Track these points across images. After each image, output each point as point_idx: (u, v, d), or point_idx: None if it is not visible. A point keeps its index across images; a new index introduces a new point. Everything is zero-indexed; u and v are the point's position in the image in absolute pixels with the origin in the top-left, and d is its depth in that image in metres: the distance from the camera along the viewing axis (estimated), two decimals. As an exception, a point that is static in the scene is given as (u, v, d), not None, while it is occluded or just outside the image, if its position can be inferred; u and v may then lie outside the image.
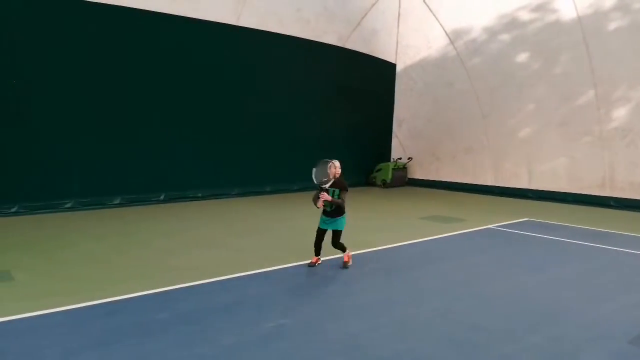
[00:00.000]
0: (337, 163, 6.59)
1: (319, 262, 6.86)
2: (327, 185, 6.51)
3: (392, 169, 18.25)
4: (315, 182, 6.57)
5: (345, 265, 6.80)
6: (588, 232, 10.02)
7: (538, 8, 14.25)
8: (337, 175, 6.56)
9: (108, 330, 4.52)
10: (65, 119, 11.02)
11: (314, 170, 6.62)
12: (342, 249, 6.82)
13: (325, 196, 6.37)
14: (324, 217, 6.72)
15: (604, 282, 6.50)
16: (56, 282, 5.98)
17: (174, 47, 12.70)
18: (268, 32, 14.45)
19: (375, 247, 8.13)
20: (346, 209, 6.75)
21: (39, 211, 10.52)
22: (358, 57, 17.38)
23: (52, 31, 10.72)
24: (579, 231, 10.05)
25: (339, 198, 6.49)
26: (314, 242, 6.79)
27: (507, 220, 11.08)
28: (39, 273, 6.32)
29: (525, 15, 14.63)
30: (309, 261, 6.89)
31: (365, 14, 16.65)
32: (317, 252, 6.85)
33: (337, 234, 6.71)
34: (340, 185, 6.57)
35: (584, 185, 14.31)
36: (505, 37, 15.29)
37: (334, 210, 6.61)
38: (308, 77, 16.01)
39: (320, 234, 6.77)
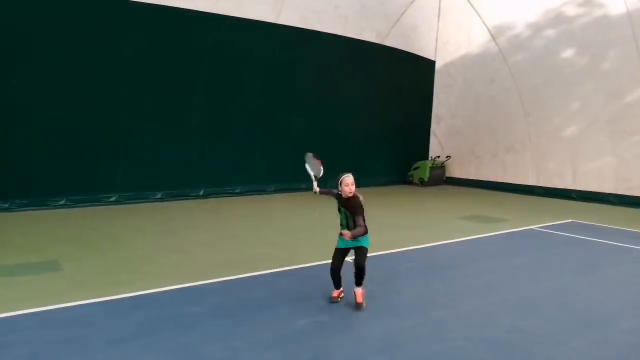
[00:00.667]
0: (350, 178, 5.11)
1: (342, 295, 5.35)
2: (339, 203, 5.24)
3: (430, 167, 18.00)
4: (313, 175, 5.89)
5: (359, 306, 5.13)
6: (634, 234, 9.61)
7: (585, 3, 13.73)
8: (350, 194, 5.06)
9: (147, 321, 4.63)
10: (111, 116, 11.39)
11: (308, 164, 5.96)
12: (362, 274, 5.14)
13: (346, 234, 4.91)
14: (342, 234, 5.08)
15: (654, 288, 6.23)
16: (100, 273, 6.18)
17: (215, 46, 12.91)
18: (307, 29, 14.49)
19: (411, 245, 8.04)
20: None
21: (84, 204, 10.92)
22: (397, 54, 17.23)
23: (100, 29, 11.07)
24: (627, 234, 9.66)
25: (354, 222, 5.02)
26: (330, 270, 5.23)
27: (550, 222, 10.75)
28: (85, 264, 6.55)
29: (571, 10, 14.13)
30: (332, 296, 5.36)
31: (405, 11, 16.46)
32: (337, 283, 5.30)
33: (362, 252, 5.12)
34: (354, 208, 5.04)
35: (632, 186, 13.72)
36: (550, 32, 14.82)
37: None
38: (347, 74, 15.98)
39: (339, 255, 5.21)
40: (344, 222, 5.19)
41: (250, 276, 6.18)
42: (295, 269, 6.57)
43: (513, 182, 16.68)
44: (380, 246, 7.89)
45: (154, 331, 4.42)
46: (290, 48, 14.32)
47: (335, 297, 5.34)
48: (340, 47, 15.51)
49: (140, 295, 5.34)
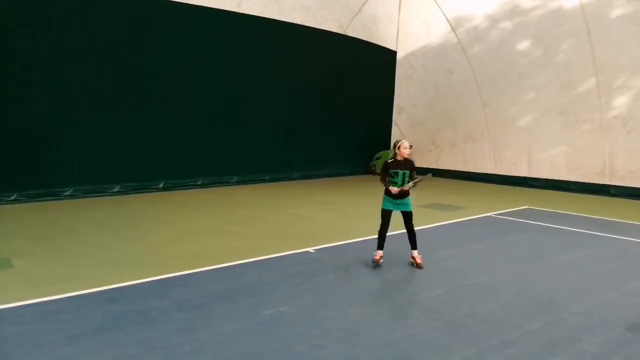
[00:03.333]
0: (406, 143, 6.26)
1: (382, 258, 6.33)
2: (395, 170, 6.21)
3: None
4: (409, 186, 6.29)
5: (419, 266, 6.30)
6: (588, 220, 10.04)
7: (540, -5, 14.16)
8: (406, 156, 6.24)
9: (109, 316, 4.55)
10: (64, 106, 10.99)
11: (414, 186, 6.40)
12: (414, 237, 6.36)
13: (404, 188, 6.12)
14: (388, 197, 6.26)
15: (604, 270, 6.53)
16: (56, 269, 6.00)
17: (175, 35, 12.63)
18: (268, 19, 14.36)
19: (374, 234, 8.13)
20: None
21: (38, 199, 10.53)
22: (359, 45, 17.28)
23: (57, 16, 10.65)
24: (579, 219, 10.08)
25: (410, 180, 6.17)
26: (378, 230, 6.27)
27: (507, 208, 11.10)
28: (39, 260, 6.35)
29: (527, 3, 14.52)
30: (373, 258, 6.31)
31: (366, 1, 16.52)
32: (381, 244, 6.30)
33: (409, 216, 6.31)
34: (411, 167, 6.25)
35: (584, 174, 14.32)
36: (506, 24, 15.19)
37: (401, 194, 6.17)
38: (309, 64, 15.94)
39: (387, 216, 6.27)
40: (400, 180, 6.16)
41: (215, 268, 6.14)
42: (260, 260, 6.57)
43: (472, 170, 17.10)
44: (344, 235, 7.97)
45: (117, 326, 4.34)
46: (251, 38, 14.16)
47: (376, 260, 6.30)
48: (302, 37, 15.45)
49: (102, 290, 5.22)
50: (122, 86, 11.85)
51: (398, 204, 6.27)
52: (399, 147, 6.22)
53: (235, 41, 13.88)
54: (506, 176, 16.12)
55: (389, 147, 19.05)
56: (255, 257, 6.66)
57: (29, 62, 10.45)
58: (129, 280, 5.53)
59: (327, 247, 7.32)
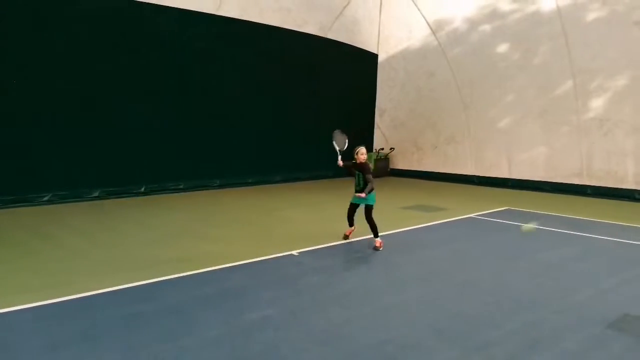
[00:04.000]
0: (363, 149, 7.47)
1: (354, 229, 7.87)
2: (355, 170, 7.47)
3: (375, 159, 18.31)
4: (338, 149, 7.87)
5: (377, 249, 7.39)
6: (566, 219, 10.20)
7: (518, -1, 14.38)
8: (362, 160, 7.39)
9: (91, 324, 4.47)
10: (42, 110, 10.80)
11: (334, 140, 8.02)
12: (374, 227, 7.38)
13: (361, 195, 7.24)
14: (356, 194, 7.43)
15: (582, 269, 6.64)
16: (36, 276, 5.88)
17: (153, 37, 12.52)
18: (248, 21, 14.31)
19: (357, 237, 8.16)
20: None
21: (15, 205, 10.32)
22: (340, 47, 17.34)
23: (25, 21, 10.46)
24: (557, 219, 10.23)
25: (364, 181, 7.27)
26: (346, 215, 7.72)
27: (488, 209, 11.22)
28: (16, 267, 6.21)
29: (505, 6, 14.73)
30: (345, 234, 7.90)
31: (347, 4, 16.60)
32: (351, 222, 7.77)
33: (369, 209, 7.39)
34: (366, 169, 7.33)
35: (561, 174, 14.57)
36: (486, 27, 15.39)
37: (364, 188, 7.25)
38: (290, 67, 15.93)
39: (352, 208, 7.65)
40: (358, 182, 7.39)
41: (198, 273, 6.08)
42: (244, 264, 6.52)
43: (453, 172, 17.28)
44: (327, 237, 7.97)
45: (100, 333, 4.27)
46: (231, 40, 14.10)
47: (347, 235, 7.92)
48: (283, 40, 15.44)
49: (82, 297, 5.12)
50: (101, 90, 11.68)
51: (361, 200, 7.43)
52: (357, 153, 7.45)
53: (215, 44, 13.81)
54: (487, 177, 16.32)
55: (371, 150, 19.17)
56: (238, 260, 6.61)
57: (6, 65, 10.24)
58: (109, 287, 5.44)
59: (311, 249, 7.31)
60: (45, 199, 10.87)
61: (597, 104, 13.64)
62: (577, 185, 14.18)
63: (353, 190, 7.52)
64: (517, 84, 15.22)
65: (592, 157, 13.94)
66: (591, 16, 13.14)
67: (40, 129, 10.79)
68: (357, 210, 7.66)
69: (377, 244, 7.42)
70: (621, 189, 13.34)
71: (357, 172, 7.42)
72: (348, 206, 7.73)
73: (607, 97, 13.45)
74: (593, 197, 13.61)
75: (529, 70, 14.82)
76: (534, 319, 4.78)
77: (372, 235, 7.50)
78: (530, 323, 4.69)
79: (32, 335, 4.22)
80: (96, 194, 11.64)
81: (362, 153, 7.43)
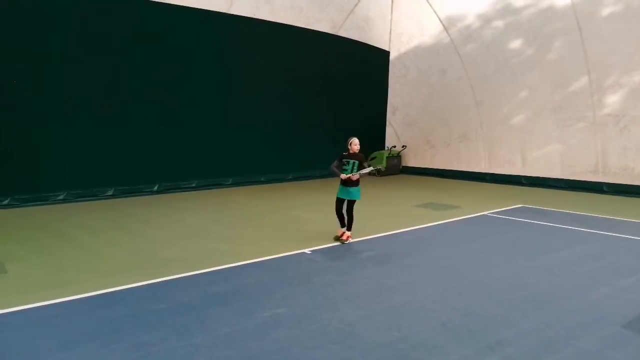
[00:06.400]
0: (355, 140, 7.58)
1: (344, 235, 7.63)
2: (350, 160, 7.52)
3: (387, 157, 18.23)
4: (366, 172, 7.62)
5: (343, 242, 7.54)
6: (581, 217, 10.08)
7: (532, -6, 14.21)
8: (356, 151, 7.53)
9: (104, 321, 4.50)
10: (56, 110, 10.90)
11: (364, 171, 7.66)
12: (351, 220, 7.53)
13: (354, 176, 7.37)
14: (341, 187, 7.55)
15: (598, 267, 6.55)
16: (50, 274, 5.95)
17: (165, 36, 12.57)
18: (260, 20, 14.32)
19: (370, 235, 8.14)
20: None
21: (31, 203, 10.44)
22: (351, 45, 17.27)
23: (37, 22, 10.57)
24: (573, 217, 10.11)
25: (359, 169, 7.39)
26: (335, 213, 7.66)
27: (502, 207, 11.12)
28: (32, 265, 6.28)
29: (519, 2, 14.57)
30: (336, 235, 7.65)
31: (359, 1, 16.52)
32: (343, 223, 7.65)
33: (352, 203, 7.53)
34: (360, 159, 7.51)
35: (577, 171, 14.37)
36: (499, 23, 15.23)
37: (353, 182, 7.43)
38: (301, 66, 15.91)
39: (339, 203, 7.61)
40: (349, 168, 7.40)
41: (210, 271, 6.10)
42: (256, 262, 6.53)
43: (466, 169, 17.12)
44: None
45: (112, 330, 4.30)
46: (243, 39, 14.12)
47: (340, 236, 7.60)
48: (295, 38, 15.42)
49: (95, 295, 5.17)
50: (114, 89, 11.77)
51: (346, 193, 7.51)
52: (350, 144, 7.58)
53: (227, 43, 13.84)
54: (500, 175, 16.16)
55: (383, 148, 19.09)
56: (250, 259, 6.63)
57: (15, 65, 10.34)
58: (123, 284, 5.48)
59: (323, 248, 7.30)
60: (60, 197, 10.98)
61: (613, 99, 13.44)
62: (593, 182, 13.99)
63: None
64: (530, 80, 15.04)
65: (608, 153, 13.74)
66: (606, 11, 12.94)
67: (54, 128, 10.89)
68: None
69: (345, 237, 7.57)
70: (638, 185, 13.13)
71: (351, 161, 7.49)
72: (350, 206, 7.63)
73: (623, 93, 13.25)
74: (609, 194, 13.42)
75: (543, 66, 14.63)
76: (549, 319, 4.73)
77: (383, 234, 7.51)
78: (545, 322, 4.63)
79: (44, 333, 4.27)
80: (110, 193, 11.74)
81: (355, 144, 7.56)
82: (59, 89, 10.90)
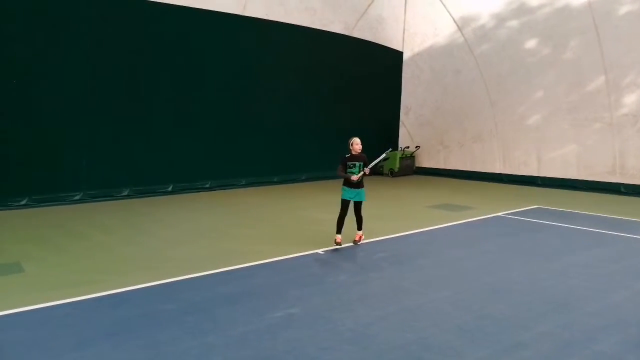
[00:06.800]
0: (357, 140, 7.36)
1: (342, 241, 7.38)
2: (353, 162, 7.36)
3: (400, 157, 18.15)
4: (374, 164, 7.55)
5: (356, 243, 7.48)
6: (598, 219, 9.93)
7: (547, -7, 14.06)
8: (358, 151, 7.35)
9: (118, 320, 4.54)
10: (73, 112, 11.04)
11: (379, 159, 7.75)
12: (361, 220, 7.43)
13: (358, 176, 7.21)
14: (347, 188, 7.35)
15: (616, 270, 6.44)
16: (65, 273, 6.01)
17: (180, 38, 12.67)
18: (274, 21, 14.37)
19: (383, 235, 8.10)
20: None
21: (48, 203, 10.58)
22: (365, 46, 17.25)
23: (55, 24, 10.71)
24: (590, 218, 9.96)
25: (363, 169, 7.25)
26: (337, 217, 7.32)
27: (517, 208, 11.00)
28: (48, 265, 6.37)
29: (534, 1, 14.42)
30: (335, 241, 7.32)
31: (372, 2, 16.49)
32: (340, 229, 7.32)
33: (359, 206, 7.39)
34: (364, 160, 7.35)
35: (594, 172, 14.17)
36: (513, 23, 15.09)
37: (358, 182, 7.27)
38: (315, 66, 15.93)
39: (345, 205, 7.34)
40: (356, 171, 7.23)
41: (223, 271, 6.12)
42: (269, 262, 6.54)
43: (481, 170, 16.99)
44: (353, 236, 7.93)
45: (126, 330, 4.33)
46: (257, 41, 14.17)
47: (338, 242, 7.28)
48: (308, 39, 15.44)
49: (110, 294, 5.22)
50: (130, 90, 11.89)
51: (354, 195, 7.34)
52: (352, 144, 7.35)
53: (241, 44, 13.90)
54: (516, 175, 16.01)
55: (397, 148, 19.01)
56: (263, 259, 6.64)
57: (33, 66, 10.49)
58: (136, 284, 5.53)
59: (337, 248, 7.28)
60: (76, 197, 11.12)
61: (631, 99, 13.23)
62: (610, 183, 13.79)
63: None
64: (546, 80, 14.87)
65: (625, 154, 13.53)
66: (623, 9, 12.75)
67: (71, 129, 11.03)
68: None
69: (357, 237, 7.51)
70: (656, 187, 12.92)
71: (357, 163, 7.31)
72: (352, 206, 7.43)
73: (641, 93, 13.04)
74: (627, 195, 13.21)
75: (558, 66, 14.46)
76: (566, 321, 4.66)
77: (397, 235, 7.47)
78: (562, 325, 4.56)
79: (60, 331, 4.31)
80: (126, 193, 11.86)
81: (357, 143, 7.35)
82: (76, 91, 11.04)
